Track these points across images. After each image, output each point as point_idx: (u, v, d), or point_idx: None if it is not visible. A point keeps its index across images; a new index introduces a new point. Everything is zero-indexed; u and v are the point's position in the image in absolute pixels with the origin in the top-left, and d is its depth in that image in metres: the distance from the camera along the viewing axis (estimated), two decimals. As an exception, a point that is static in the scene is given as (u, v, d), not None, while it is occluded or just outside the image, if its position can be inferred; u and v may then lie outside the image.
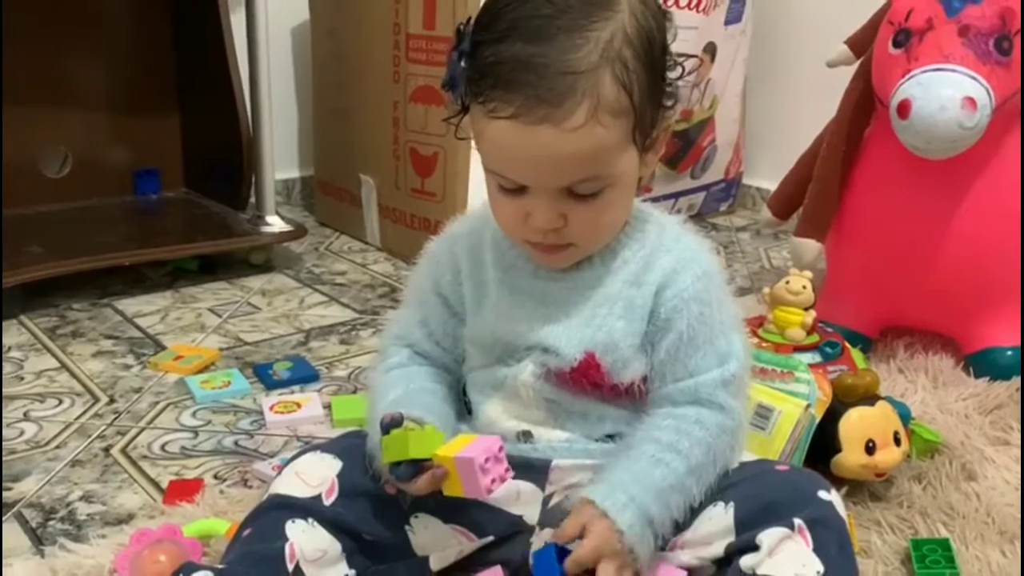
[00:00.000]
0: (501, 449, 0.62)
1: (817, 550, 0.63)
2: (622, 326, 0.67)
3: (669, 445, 0.66)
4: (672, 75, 0.66)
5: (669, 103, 0.66)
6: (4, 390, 1.10)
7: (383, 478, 0.68)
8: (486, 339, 0.71)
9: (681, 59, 0.66)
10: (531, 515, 0.71)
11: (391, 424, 0.64)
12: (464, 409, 0.75)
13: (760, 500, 0.65)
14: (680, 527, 0.67)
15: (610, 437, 0.71)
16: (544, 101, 0.59)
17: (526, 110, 0.60)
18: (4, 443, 0.98)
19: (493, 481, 0.62)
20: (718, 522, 0.66)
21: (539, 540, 0.68)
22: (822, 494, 0.66)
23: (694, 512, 0.67)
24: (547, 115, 0.59)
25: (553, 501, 0.71)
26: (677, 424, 0.67)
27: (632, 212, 0.70)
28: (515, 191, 0.64)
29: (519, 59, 0.60)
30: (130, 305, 1.37)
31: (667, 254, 0.68)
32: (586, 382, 0.68)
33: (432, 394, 0.72)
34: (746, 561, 0.63)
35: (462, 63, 0.63)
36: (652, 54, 0.63)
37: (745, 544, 0.64)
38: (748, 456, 0.71)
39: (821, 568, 0.62)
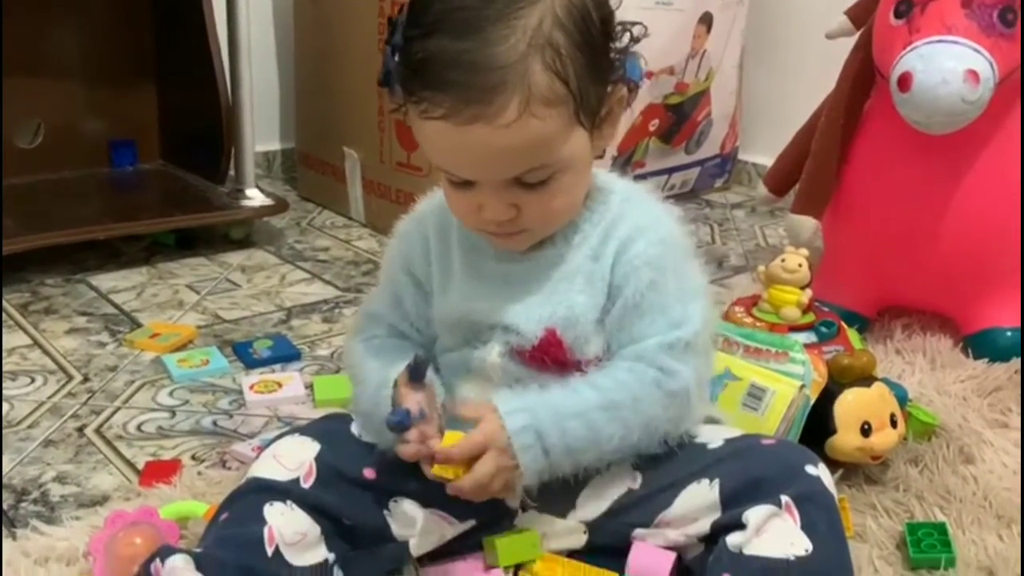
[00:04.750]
0: None
1: (805, 528, 0.62)
2: (583, 300, 0.67)
3: (587, 380, 0.66)
4: (619, 45, 0.64)
5: (617, 76, 0.65)
6: (-27, 368, 1.08)
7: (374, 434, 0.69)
8: (451, 319, 0.71)
9: (630, 25, 0.65)
10: (512, 498, 0.70)
11: (419, 365, 0.65)
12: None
13: (746, 475, 0.65)
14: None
15: None
16: (474, 100, 0.59)
17: (457, 111, 0.59)
18: (-28, 423, 0.97)
19: None
20: (703, 498, 0.66)
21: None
22: (809, 468, 0.65)
23: (675, 487, 0.67)
24: (478, 114, 0.59)
25: None
26: (605, 368, 0.67)
27: (595, 184, 0.69)
28: (464, 184, 0.64)
29: (446, 56, 0.59)
30: (105, 281, 1.36)
31: (624, 223, 0.68)
32: (548, 359, 0.68)
33: None
34: (732, 540, 0.63)
35: (395, 57, 0.62)
36: (589, 32, 0.62)
37: (731, 521, 0.64)
38: (734, 432, 0.70)
39: (809, 546, 0.62)
